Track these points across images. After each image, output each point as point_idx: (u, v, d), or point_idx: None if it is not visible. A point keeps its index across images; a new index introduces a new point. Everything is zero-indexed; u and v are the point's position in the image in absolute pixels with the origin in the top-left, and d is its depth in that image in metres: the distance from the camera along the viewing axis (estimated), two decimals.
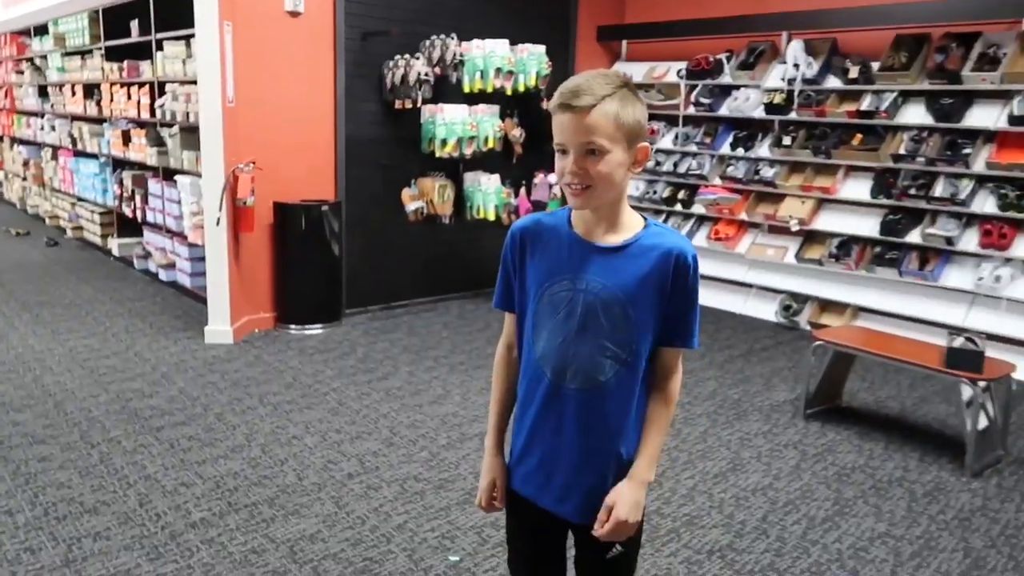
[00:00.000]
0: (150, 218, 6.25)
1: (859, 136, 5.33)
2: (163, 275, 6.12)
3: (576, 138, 1.36)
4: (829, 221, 5.43)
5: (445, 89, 5.57)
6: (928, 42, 5.15)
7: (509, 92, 5.78)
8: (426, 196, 5.66)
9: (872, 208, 5.28)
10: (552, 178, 6.28)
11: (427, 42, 5.53)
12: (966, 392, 3.37)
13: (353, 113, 5.36)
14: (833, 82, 5.48)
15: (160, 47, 5.89)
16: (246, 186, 4.79)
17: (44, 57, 8.41)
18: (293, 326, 5.15)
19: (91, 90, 7.26)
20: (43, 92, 8.62)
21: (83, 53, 7.40)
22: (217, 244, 4.80)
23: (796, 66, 5.57)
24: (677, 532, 2.83)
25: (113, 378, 4.15)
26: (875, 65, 5.27)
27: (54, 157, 8.32)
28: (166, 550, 2.60)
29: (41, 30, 8.39)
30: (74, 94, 7.58)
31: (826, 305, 5.53)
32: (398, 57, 5.38)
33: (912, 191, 5.01)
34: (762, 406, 4.10)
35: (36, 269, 6.67)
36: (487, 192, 5.83)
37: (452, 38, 5.54)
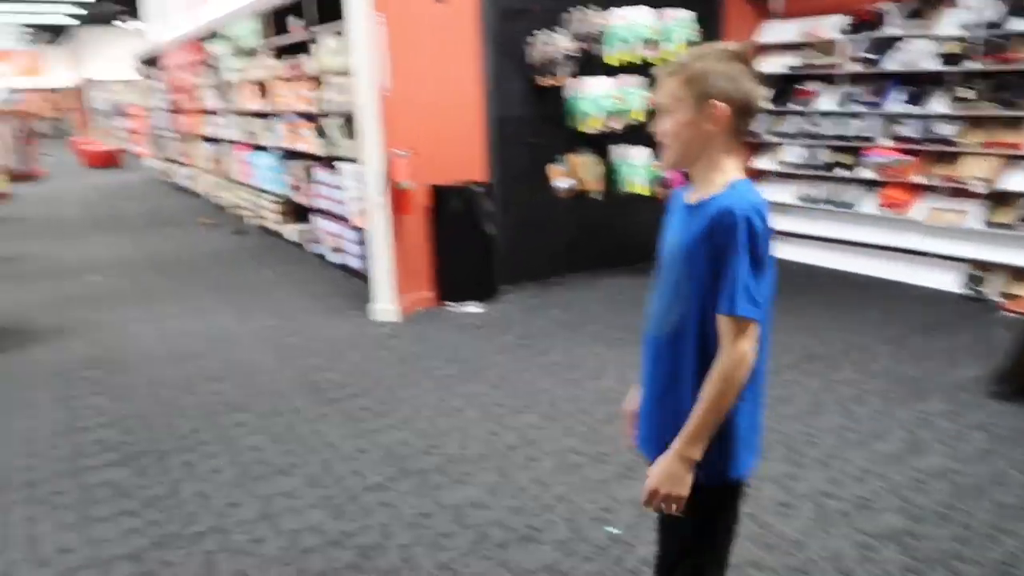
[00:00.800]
0: (318, 205, 6.69)
1: None
2: (333, 258, 6.54)
3: (655, 100, 1.54)
4: (1020, 180, 4.94)
5: (590, 62, 5.55)
6: None
7: (656, 61, 5.67)
8: (575, 173, 5.69)
9: None
10: None
11: (568, 16, 5.52)
12: None
13: (500, 93, 5.46)
14: (1021, 24, 4.95)
15: (317, 41, 6.25)
16: (403, 170, 5.01)
17: (219, 59, 9.14)
18: (452, 303, 5.36)
19: (261, 87, 7.83)
20: (222, 92, 9.38)
21: (252, 53, 7.98)
22: (379, 226, 5.07)
23: (975, 10, 5.08)
24: (847, 515, 2.72)
25: (294, 355, 4.52)
26: None
27: (235, 151, 9.06)
28: (348, 510, 2.83)
29: (216, 35, 9.12)
30: (247, 92, 8.20)
31: (1019, 274, 5.04)
32: (540, 33, 5.41)
33: None
34: (944, 384, 3.82)
35: (225, 256, 7.33)
36: (636, 165, 5.78)
37: (594, 9, 5.50)
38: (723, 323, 1.43)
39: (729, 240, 1.40)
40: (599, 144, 5.80)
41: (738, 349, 1.42)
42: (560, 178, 5.62)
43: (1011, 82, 5.01)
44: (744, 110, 1.47)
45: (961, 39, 5.19)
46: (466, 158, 5.45)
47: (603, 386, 3.92)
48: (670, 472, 1.48)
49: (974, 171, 5.12)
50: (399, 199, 5.13)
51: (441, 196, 5.31)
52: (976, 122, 5.20)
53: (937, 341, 4.41)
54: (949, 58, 5.23)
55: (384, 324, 5.03)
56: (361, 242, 5.93)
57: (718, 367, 1.44)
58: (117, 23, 23.54)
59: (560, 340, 4.60)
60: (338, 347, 4.62)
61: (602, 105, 5.55)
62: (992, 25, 5.03)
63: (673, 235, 1.55)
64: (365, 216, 5.28)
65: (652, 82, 5.79)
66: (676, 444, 1.48)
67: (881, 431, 3.36)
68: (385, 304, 5.13)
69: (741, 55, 1.48)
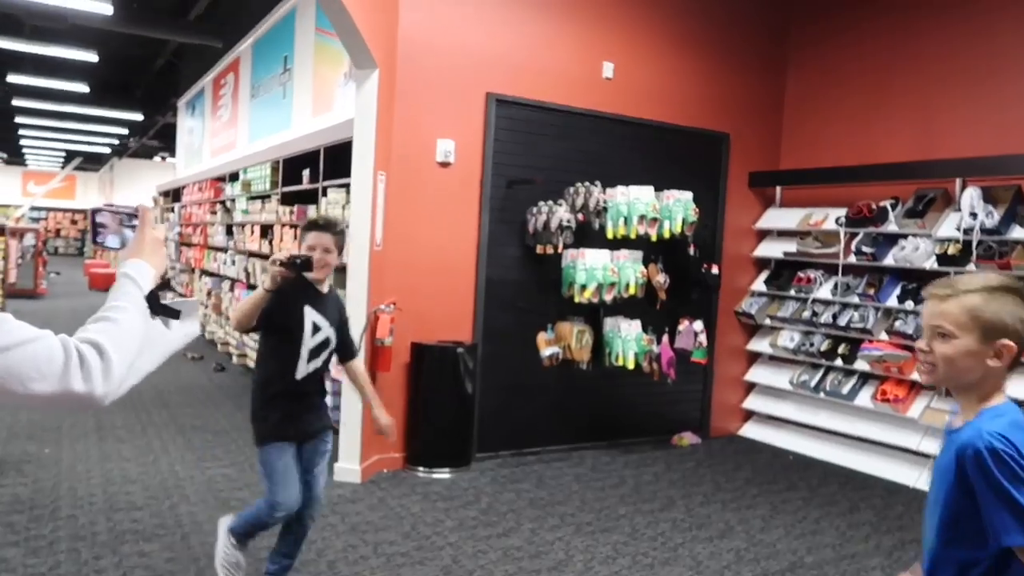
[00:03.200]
0: None
1: None
2: None
3: (928, 320, 1.57)
4: (1018, 387, 4.73)
5: (588, 234, 5.55)
6: None
7: (654, 238, 5.67)
8: (564, 341, 5.55)
9: None
10: (697, 326, 6.01)
11: (571, 189, 5.59)
12: None
13: (495, 257, 5.43)
14: (1019, 232, 4.94)
15: (325, 193, 6.35)
16: (385, 326, 4.89)
17: (234, 200, 9.35)
18: (421, 468, 5.06)
19: (266, 230, 7.92)
20: (230, 231, 9.54)
21: (264, 198, 8.14)
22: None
23: (974, 215, 5.09)
24: None
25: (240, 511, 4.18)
26: None
27: (231, 289, 9.06)
28: None
29: (234, 177, 9.39)
30: (252, 233, 8.30)
31: None
32: (541, 203, 5.46)
33: None
34: None
35: (200, 392, 7.10)
36: (627, 339, 5.64)
37: (596, 185, 5.57)
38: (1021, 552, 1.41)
39: (980, 471, 1.42)
40: (591, 315, 5.70)
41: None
42: (546, 346, 5.47)
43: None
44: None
45: (958, 241, 5.18)
46: (454, 318, 5.35)
47: None
48: None
49: None
50: (378, 354, 4.97)
51: (422, 354, 5.15)
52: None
53: None
54: (946, 259, 5.18)
55: (344, 485, 4.71)
56: (337, 394, 5.71)
57: None
58: (156, 159, 24.70)
59: (527, 520, 4.26)
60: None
61: (596, 276, 5.49)
62: (989, 231, 5.01)
63: (939, 459, 1.59)
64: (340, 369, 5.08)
65: (654, 258, 5.78)
66: None
67: None
68: (349, 464, 4.83)
69: (1018, 290, 1.54)
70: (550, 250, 5.42)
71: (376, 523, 4.15)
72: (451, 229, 5.33)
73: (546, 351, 5.45)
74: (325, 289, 3.06)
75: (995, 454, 1.40)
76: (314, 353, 2.99)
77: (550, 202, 5.47)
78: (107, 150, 23.68)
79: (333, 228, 3.00)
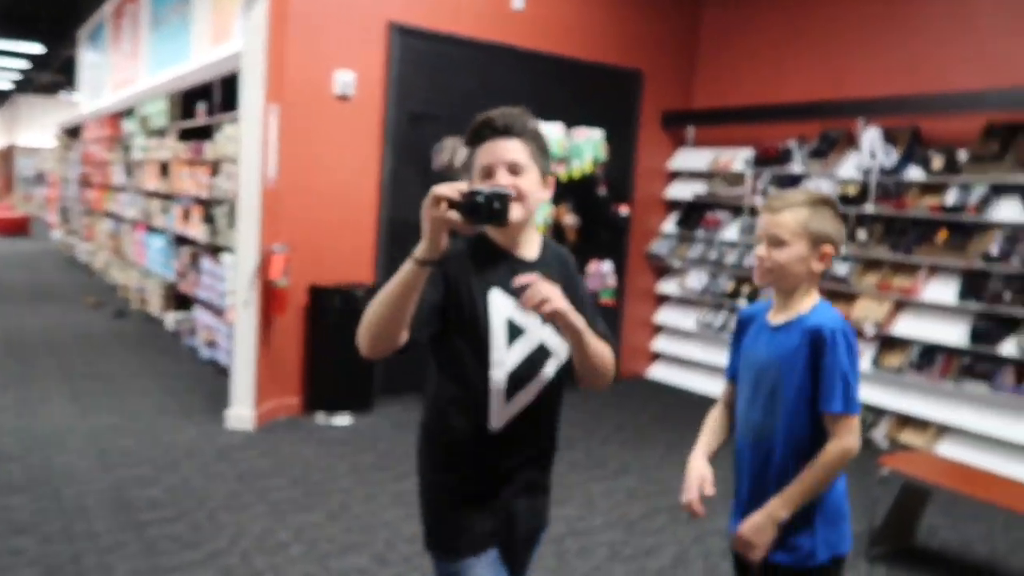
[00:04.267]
0: (202, 295, 6.26)
1: (944, 232, 4.80)
2: (205, 352, 6.06)
3: (765, 230, 1.78)
4: (910, 326, 4.85)
5: None
6: (1022, 130, 4.63)
7: (563, 178, 5.56)
8: None
9: (960, 313, 4.69)
10: (606, 267, 5.97)
11: None
12: None
13: (398, 196, 5.24)
14: (915, 173, 5.00)
15: (221, 128, 6.01)
16: (279, 267, 4.67)
17: (132, 137, 8.82)
18: (321, 413, 4.92)
19: (165, 168, 7.51)
20: (129, 170, 9.02)
21: (162, 133, 7.69)
22: (245, 325, 4.67)
23: (873, 155, 5.13)
24: None
25: (121, 462, 3.99)
26: (962, 156, 4.77)
27: (132, 231, 8.62)
28: None
29: (132, 113, 8.84)
30: (151, 172, 7.86)
31: (906, 421, 4.90)
32: (447, 140, 5.26)
33: (1006, 296, 4.42)
34: None
35: (95, 340, 6.76)
36: None
37: None
38: (831, 420, 1.71)
39: (828, 349, 1.69)
40: None
41: (849, 441, 1.70)
42: None
43: (905, 228, 5.00)
44: (837, 252, 1.79)
45: (858, 182, 5.22)
46: (355, 259, 5.16)
47: None
48: (758, 525, 1.73)
49: (868, 313, 5.03)
50: (272, 297, 4.76)
51: (320, 297, 4.96)
52: (871, 264, 5.16)
53: None
54: (847, 200, 5.23)
55: (236, 433, 4.55)
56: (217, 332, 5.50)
57: (829, 455, 1.70)
58: (62, 95, 23.24)
59: None
60: (174, 456, 4.12)
61: None
62: (887, 172, 5.06)
63: (760, 352, 1.81)
64: (233, 312, 4.88)
65: (563, 198, 5.67)
66: (770, 505, 1.73)
67: None
68: (242, 410, 4.66)
69: (834, 203, 1.81)
70: None
71: (266, 470, 4.01)
72: (351, 166, 5.10)
73: None
74: (529, 252, 1.69)
75: (844, 336, 1.71)
76: (520, 377, 1.65)
77: (455, 139, 5.28)
78: (10, 86, 22.15)
79: (522, 130, 1.67)
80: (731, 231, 6.03)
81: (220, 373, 5.70)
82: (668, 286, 6.55)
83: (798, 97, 5.75)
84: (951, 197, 4.76)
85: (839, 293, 5.25)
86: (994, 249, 4.50)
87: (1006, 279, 4.47)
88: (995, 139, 4.71)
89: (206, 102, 6.58)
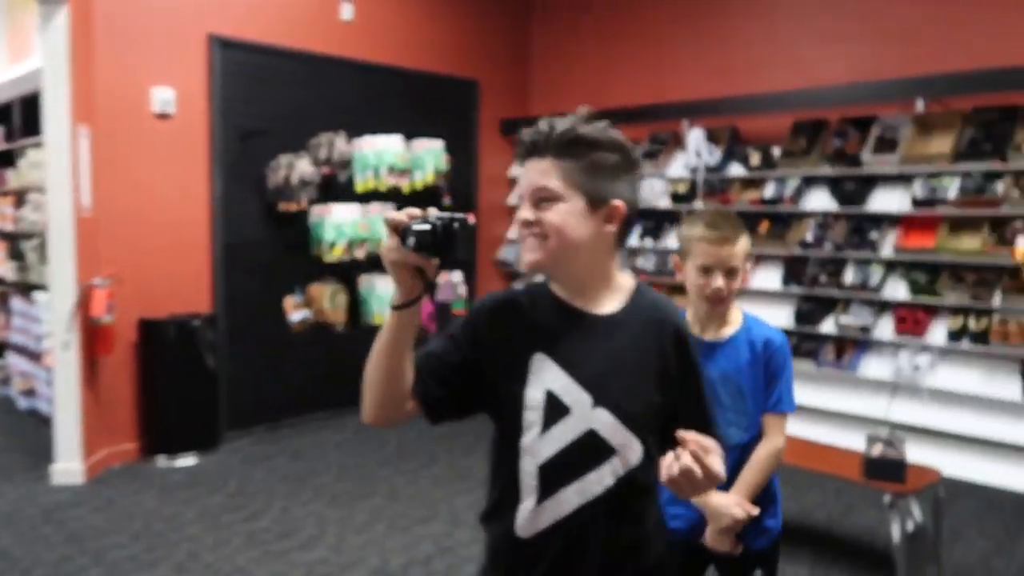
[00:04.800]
0: (14, 339, 5.66)
1: (765, 223, 5.16)
2: (23, 403, 5.48)
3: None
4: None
5: (336, 189, 5.24)
6: (826, 127, 5.06)
7: (406, 190, 5.49)
8: (315, 303, 5.24)
9: (785, 297, 5.05)
10: (456, 277, 5.96)
11: (313, 140, 5.23)
12: (889, 505, 3.02)
13: (232, 218, 4.96)
14: (736, 170, 5.34)
15: (24, 154, 5.46)
16: (101, 303, 4.29)
17: None
18: (162, 456, 4.56)
19: None
20: None
21: None
22: (67, 369, 4.25)
23: (699, 154, 5.43)
24: None
25: None
26: (776, 152, 5.15)
27: None
28: None
29: None
30: None
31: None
32: (281, 157, 5.05)
33: (822, 279, 4.80)
34: None
35: None
36: (384, 296, 5.44)
37: (340, 135, 5.26)
38: (776, 419, 1.91)
39: (782, 358, 1.90)
40: (344, 274, 5.43)
41: (783, 438, 1.91)
42: (294, 309, 5.13)
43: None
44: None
45: (687, 180, 5.51)
46: (188, 288, 4.83)
47: (313, 557, 3.35)
48: (730, 525, 1.82)
49: None
50: (97, 335, 4.36)
51: (152, 331, 4.60)
52: None
53: None
54: (678, 197, 5.50)
55: (64, 488, 4.13)
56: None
57: (772, 449, 1.89)
58: None
59: (278, 498, 3.97)
60: None
61: (346, 233, 5.22)
62: (712, 169, 5.37)
63: (713, 369, 1.85)
64: (52, 356, 4.43)
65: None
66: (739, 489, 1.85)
67: None
68: (69, 463, 4.23)
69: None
70: (294, 207, 5.06)
71: (101, 527, 3.66)
72: (178, 189, 4.77)
73: (294, 315, 5.12)
74: (604, 304, 1.32)
75: (787, 343, 1.94)
76: (558, 473, 1.26)
77: (291, 155, 5.08)
78: None
79: (557, 146, 1.28)
80: None
81: (42, 424, 5.16)
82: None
83: (626, 102, 5.99)
84: (769, 190, 5.12)
85: (673, 286, 5.52)
86: (809, 236, 4.88)
87: (821, 263, 4.86)
88: (802, 136, 5.11)
89: (4, 126, 5.97)
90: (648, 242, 5.69)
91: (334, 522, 3.71)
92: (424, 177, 5.56)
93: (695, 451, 1.09)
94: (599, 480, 1.24)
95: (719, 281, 1.87)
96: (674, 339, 1.31)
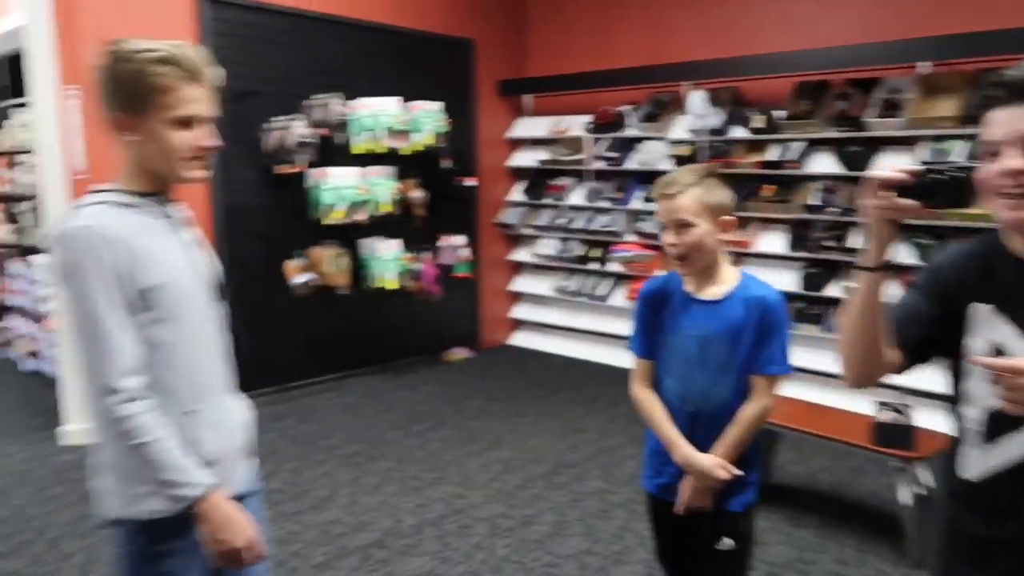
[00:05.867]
0: (15, 302, 5.61)
1: (771, 187, 5.15)
2: (28, 365, 5.46)
3: (669, 216, 1.87)
4: None
5: (334, 151, 5.18)
6: (829, 89, 5.04)
7: (404, 152, 5.44)
8: (318, 267, 5.22)
9: (790, 262, 5.07)
10: (458, 240, 5.95)
11: (308, 102, 5.15)
12: (898, 470, 3.08)
13: (230, 181, 4.89)
14: (739, 132, 5.31)
15: (7, 115, 5.36)
16: None
17: None
18: None
19: None
20: None
21: None
22: (68, 330, 4.22)
23: (700, 117, 5.39)
24: None
25: None
26: (779, 114, 5.12)
27: None
28: None
29: None
30: None
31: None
32: (276, 119, 4.98)
33: (828, 243, 4.82)
34: None
35: None
36: (386, 259, 5.43)
37: (336, 97, 5.18)
38: (765, 380, 1.88)
39: (775, 318, 1.85)
40: (345, 237, 5.40)
41: (771, 399, 1.89)
42: (297, 274, 5.11)
43: (734, 185, 5.31)
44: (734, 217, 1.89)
45: (689, 143, 5.48)
46: None
47: (327, 518, 3.39)
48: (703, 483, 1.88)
49: None
50: None
51: None
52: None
53: None
54: (680, 160, 5.48)
55: (74, 449, 4.14)
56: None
57: (758, 410, 1.87)
58: None
59: (289, 460, 4.01)
60: (5, 482, 3.69)
61: (346, 196, 5.18)
62: (714, 132, 5.35)
63: (698, 325, 1.90)
64: (54, 319, 4.41)
65: (409, 173, 5.55)
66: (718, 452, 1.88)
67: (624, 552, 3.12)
68: (78, 424, 4.24)
69: (718, 173, 1.91)
70: (291, 170, 5.00)
71: None
72: None
73: (297, 278, 5.09)
74: None
75: (783, 304, 1.88)
76: (1005, 418, 1.25)
77: (285, 117, 5.00)
78: None
79: None
80: (576, 196, 6.17)
81: (48, 386, 5.14)
82: (521, 254, 6.62)
83: (625, 63, 5.93)
84: (773, 153, 5.11)
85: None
86: (814, 200, 4.88)
87: (825, 227, 4.87)
88: (805, 98, 5.08)
89: None
90: (652, 205, 5.68)
91: (346, 484, 3.74)
92: (423, 139, 5.50)
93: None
94: None
95: (668, 237, 1.86)
96: None
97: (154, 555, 1.51)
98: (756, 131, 5.17)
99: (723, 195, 1.87)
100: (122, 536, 1.53)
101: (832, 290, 4.80)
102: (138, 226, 1.47)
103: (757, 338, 1.84)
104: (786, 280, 4.98)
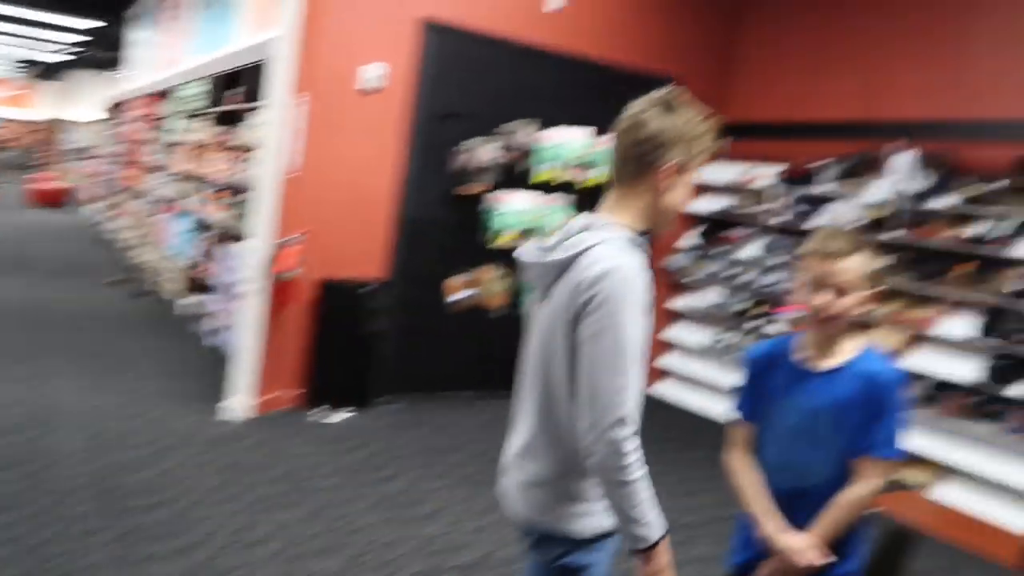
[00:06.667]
0: (214, 280, 6.31)
1: (969, 265, 4.61)
2: (213, 339, 6.11)
3: (824, 279, 1.81)
4: (923, 360, 4.67)
5: (516, 178, 5.34)
6: None
7: (584, 185, 5.49)
8: (480, 284, 5.39)
9: (976, 350, 4.50)
10: None
11: (504, 127, 5.34)
12: None
13: (418, 194, 5.17)
14: (944, 202, 4.81)
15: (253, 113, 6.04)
16: (290, 258, 4.68)
17: (167, 118, 8.94)
18: (318, 408, 4.92)
19: (196, 151, 7.58)
20: (164, 151, 9.14)
21: (198, 116, 7.77)
22: (253, 314, 4.69)
23: (903, 179, 4.95)
24: None
25: (112, 446, 4.02)
26: (994, 187, 4.57)
27: (160, 212, 8.73)
28: None
29: (171, 93, 8.96)
30: (183, 155, 7.95)
31: (909, 457, 4.72)
32: (470, 141, 5.21)
33: (1020, 336, 4.22)
34: None
35: (109, 319, 6.82)
36: None
37: (531, 124, 5.33)
38: (871, 463, 1.76)
39: (888, 396, 1.76)
40: (511, 260, 5.51)
41: (878, 482, 1.77)
42: (459, 289, 5.30)
43: (927, 259, 4.82)
44: None
45: (886, 206, 5.04)
46: (369, 255, 5.12)
47: (431, 532, 3.47)
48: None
49: (884, 341, 4.86)
50: (282, 287, 4.77)
51: (329, 290, 4.95)
52: (889, 292, 4.99)
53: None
54: (871, 225, 5.06)
55: (230, 423, 4.56)
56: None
57: (860, 494, 1.76)
58: (113, 71, 23.70)
59: (413, 468, 4.16)
60: (165, 443, 4.15)
61: (520, 221, 5.32)
62: (915, 198, 4.88)
63: (807, 397, 1.82)
64: (242, 300, 4.90)
65: (583, 204, 5.63)
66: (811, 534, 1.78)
67: None
68: (239, 400, 4.68)
69: (869, 243, 1.85)
70: (474, 190, 5.22)
71: (254, 462, 4.02)
72: (372, 162, 5.06)
73: (458, 294, 5.29)
74: None
75: (902, 384, 1.79)
76: None
77: (479, 139, 5.22)
78: (62, 58, 22.66)
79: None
80: (751, 249, 5.89)
81: (221, 361, 5.73)
82: (682, 302, 6.42)
83: (831, 113, 5.58)
84: (978, 228, 4.57)
85: (854, 322, 5.08)
86: (1017, 286, 4.30)
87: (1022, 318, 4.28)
88: None
89: (243, 87, 6.62)
90: None
91: (458, 501, 3.82)
92: (598, 175, 5.51)
93: None
94: None
95: (821, 298, 1.77)
96: None
97: (579, 568, 1.66)
98: (966, 202, 4.65)
99: (878, 266, 1.84)
100: (555, 548, 1.69)
101: (1019, 388, 4.20)
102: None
103: (866, 416, 1.74)
104: (968, 368, 4.42)
